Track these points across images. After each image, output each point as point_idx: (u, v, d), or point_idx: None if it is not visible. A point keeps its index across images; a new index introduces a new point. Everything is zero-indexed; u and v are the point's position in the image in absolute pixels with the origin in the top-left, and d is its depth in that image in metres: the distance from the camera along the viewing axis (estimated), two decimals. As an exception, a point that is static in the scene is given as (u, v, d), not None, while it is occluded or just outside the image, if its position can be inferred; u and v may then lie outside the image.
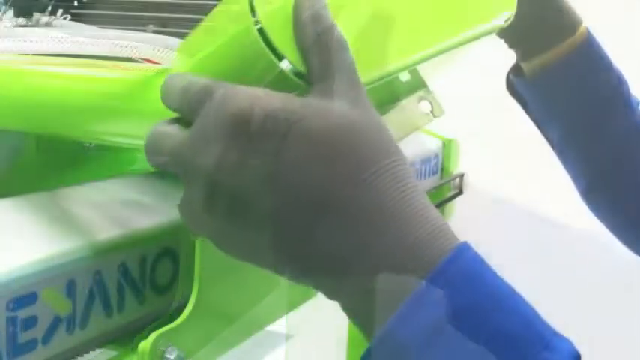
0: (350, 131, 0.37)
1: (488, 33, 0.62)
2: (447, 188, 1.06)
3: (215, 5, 0.68)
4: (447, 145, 1.06)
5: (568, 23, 0.69)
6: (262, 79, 0.40)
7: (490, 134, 0.97)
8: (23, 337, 0.45)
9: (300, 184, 0.36)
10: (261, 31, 0.40)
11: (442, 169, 1.07)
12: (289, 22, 0.41)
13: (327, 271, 0.37)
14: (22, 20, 0.68)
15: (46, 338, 0.47)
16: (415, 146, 0.67)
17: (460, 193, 1.07)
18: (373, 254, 0.36)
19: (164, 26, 0.69)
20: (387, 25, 0.49)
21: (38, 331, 0.46)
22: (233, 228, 0.39)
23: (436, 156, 1.05)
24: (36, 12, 0.69)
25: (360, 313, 0.38)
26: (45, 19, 0.69)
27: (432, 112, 0.67)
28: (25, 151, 0.65)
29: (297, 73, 0.40)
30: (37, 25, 0.68)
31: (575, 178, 0.75)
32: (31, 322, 0.46)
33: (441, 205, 1.03)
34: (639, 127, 0.71)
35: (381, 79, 0.47)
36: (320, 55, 0.39)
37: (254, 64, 0.41)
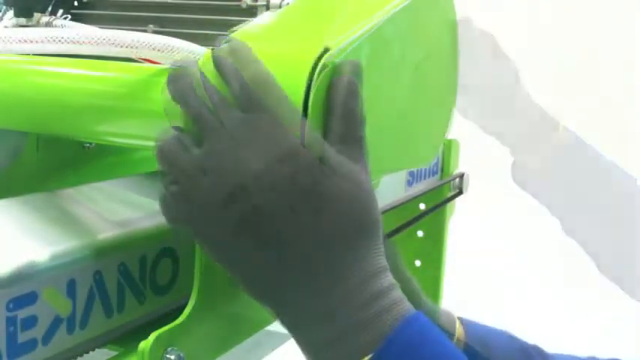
0: (361, 197, 0.44)
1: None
2: (447, 188, 1.06)
3: (214, 6, 0.68)
4: (447, 145, 1.06)
5: None
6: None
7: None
8: (23, 337, 0.45)
9: (315, 222, 0.42)
10: (307, 92, 0.44)
11: (442, 169, 1.07)
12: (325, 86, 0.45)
13: (295, 301, 0.43)
14: (22, 20, 0.68)
15: (46, 338, 0.47)
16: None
17: (460, 193, 1.07)
18: (337, 301, 0.42)
19: (164, 26, 0.69)
20: None
21: (38, 331, 0.46)
22: (238, 234, 0.42)
23: (436, 156, 1.05)
24: (36, 12, 0.69)
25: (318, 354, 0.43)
26: (45, 19, 0.68)
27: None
28: (25, 151, 0.65)
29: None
30: (37, 25, 0.68)
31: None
32: (31, 322, 0.46)
33: (441, 205, 1.04)
34: None
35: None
36: (349, 121, 0.45)
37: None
